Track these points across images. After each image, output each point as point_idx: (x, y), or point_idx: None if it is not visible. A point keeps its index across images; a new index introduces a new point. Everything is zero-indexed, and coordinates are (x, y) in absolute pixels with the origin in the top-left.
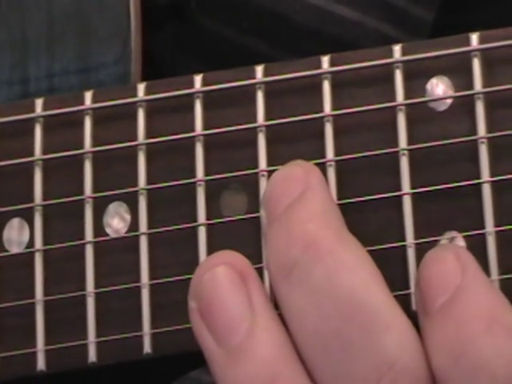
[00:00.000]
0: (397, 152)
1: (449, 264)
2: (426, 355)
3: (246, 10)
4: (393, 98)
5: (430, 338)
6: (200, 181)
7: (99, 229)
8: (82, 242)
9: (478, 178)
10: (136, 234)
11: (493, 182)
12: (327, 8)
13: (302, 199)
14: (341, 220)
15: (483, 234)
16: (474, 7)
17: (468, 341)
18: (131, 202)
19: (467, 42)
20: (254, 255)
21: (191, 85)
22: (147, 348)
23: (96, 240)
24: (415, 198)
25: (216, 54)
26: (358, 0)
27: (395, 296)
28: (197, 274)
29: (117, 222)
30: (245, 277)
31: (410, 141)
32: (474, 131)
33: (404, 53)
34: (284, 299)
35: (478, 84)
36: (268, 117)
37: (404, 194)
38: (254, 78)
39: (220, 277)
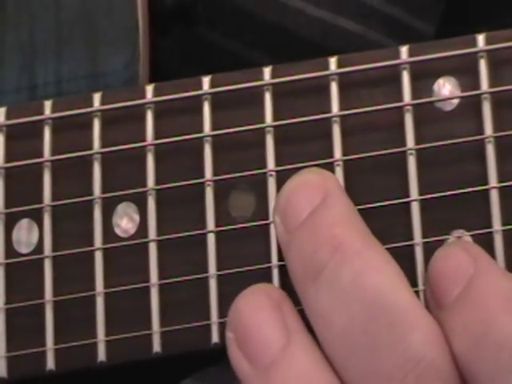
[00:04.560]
0: (404, 152)
1: (460, 257)
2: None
3: (250, 23)
4: (400, 98)
5: (447, 327)
6: (208, 181)
7: (108, 229)
8: (91, 248)
9: (485, 177)
10: (145, 240)
11: (500, 181)
12: (331, 21)
13: (325, 205)
14: (364, 223)
15: (490, 233)
16: (475, 20)
17: (489, 320)
18: (140, 203)
19: (474, 43)
20: (262, 254)
21: (199, 86)
22: (156, 347)
23: (106, 247)
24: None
25: (219, 66)
26: (362, 13)
27: None
28: (233, 304)
29: (125, 223)
30: (280, 303)
31: (418, 141)
32: (480, 131)
33: (411, 54)
34: (311, 302)
35: (484, 84)
36: (276, 118)
37: (412, 201)
38: (261, 79)
39: (255, 302)
